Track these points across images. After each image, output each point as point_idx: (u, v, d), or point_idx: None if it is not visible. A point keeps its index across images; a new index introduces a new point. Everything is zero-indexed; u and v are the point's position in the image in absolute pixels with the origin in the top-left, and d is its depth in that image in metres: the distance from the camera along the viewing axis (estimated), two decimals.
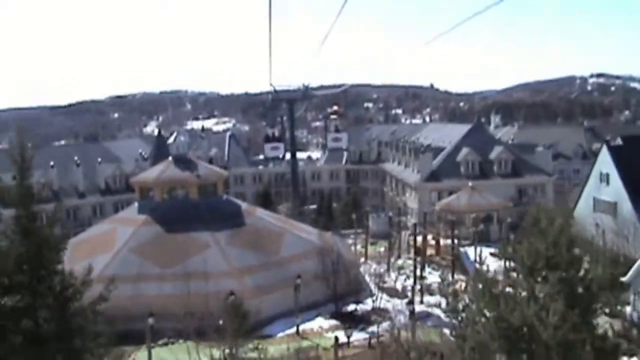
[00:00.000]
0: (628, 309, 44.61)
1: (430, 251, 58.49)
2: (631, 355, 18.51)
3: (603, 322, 20.88)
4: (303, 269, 48.01)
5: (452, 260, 52.38)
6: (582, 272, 16.22)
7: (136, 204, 57.48)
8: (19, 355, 17.22)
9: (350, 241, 68.44)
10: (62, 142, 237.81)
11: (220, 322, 34.21)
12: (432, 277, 51.62)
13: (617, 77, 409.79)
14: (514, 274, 17.26)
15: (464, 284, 34.62)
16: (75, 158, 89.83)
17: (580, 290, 15.82)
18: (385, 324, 39.50)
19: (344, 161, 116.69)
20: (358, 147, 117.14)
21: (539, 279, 16.12)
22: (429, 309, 43.12)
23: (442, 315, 29.10)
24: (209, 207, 54.60)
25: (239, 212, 57.30)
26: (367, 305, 47.59)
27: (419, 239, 59.07)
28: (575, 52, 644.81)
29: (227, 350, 32.78)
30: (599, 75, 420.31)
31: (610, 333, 18.29)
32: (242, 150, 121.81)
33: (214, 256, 48.77)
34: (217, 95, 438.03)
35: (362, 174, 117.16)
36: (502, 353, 15.72)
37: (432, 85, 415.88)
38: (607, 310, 21.80)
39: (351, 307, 47.35)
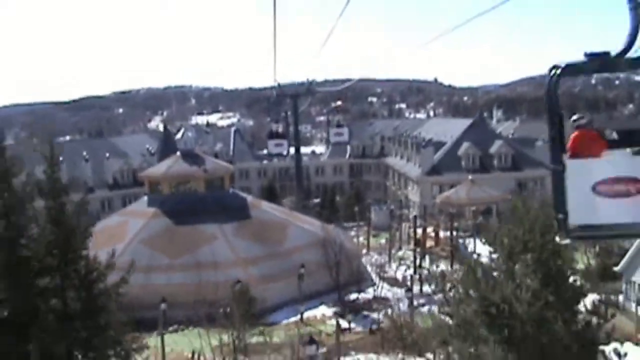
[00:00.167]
0: (621, 297, 46.34)
1: (430, 243, 60.34)
2: (598, 328, 20.33)
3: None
4: (307, 259, 50.01)
5: (451, 251, 54.18)
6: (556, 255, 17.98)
7: (145, 198, 59.50)
8: (50, 331, 19.14)
9: (352, 233, 70.33)
10: (67, 138, 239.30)
11: (228, 309, 36.18)
12: (433, 268, 53.52)
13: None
14: (496, 258, 19.12)
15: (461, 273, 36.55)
16: (84, 153, 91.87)
17: (553, 270, 17.64)
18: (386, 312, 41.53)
19: (347, 156, 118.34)
20: (361, 141, 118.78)
21: (518, 262, 17.98)
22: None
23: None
24: (216, 200, 56.59)
25: (245, 205, 59.34)
26: (369, 294, 49.59)
27: (419, 231, 60.99)
28: (579, 47, 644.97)
29: (234, 335, 34.66)
30: None
31: (583, 309, 20.02)
32: (247, 145, 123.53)
33: (221, 247, 50.79)
34: (222, 90, 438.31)
35: (365, 168, 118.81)
36: (484, 327, 17.58)
37: (436, 80, 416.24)
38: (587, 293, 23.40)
39: (353, 296, 49.27)
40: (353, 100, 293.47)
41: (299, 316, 45.19)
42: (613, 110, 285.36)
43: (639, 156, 8.90)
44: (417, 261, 54.90)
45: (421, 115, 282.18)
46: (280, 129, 56.31)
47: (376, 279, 51.69)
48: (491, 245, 18.29)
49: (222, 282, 43.16)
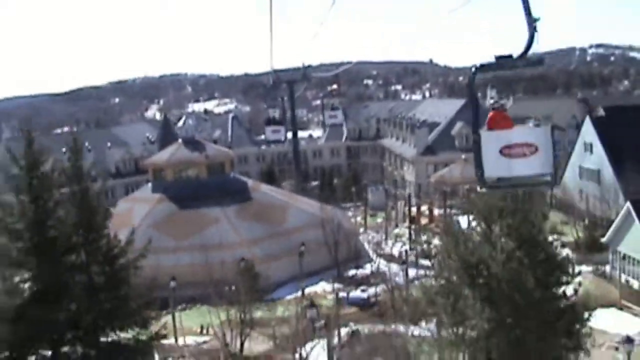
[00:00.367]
0: (608, 267, 48.47)
1: (424, 220, 62.54)
2: (567, 283, 22.56)
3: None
4: (307, 238, 52.46)
5: (443, 227, 56.40)
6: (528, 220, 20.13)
7: (150, 185, 61.77)
8: (78, 302, 21.42)
9: (350, 213, 72.67)
10: (65, 129, 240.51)
11: (233, 287, 38.36)
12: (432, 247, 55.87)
13: (617, 47, 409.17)
14: (474, 224, 21.29)
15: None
16: (86, 144, 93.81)
17: (525, 234, 19.79)
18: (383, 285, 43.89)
19: (344, 138, 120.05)
20: (357, 124, 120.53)
21: (494, 227, 20.15)
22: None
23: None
24: (218, 185, 58.91)
25: (246, 188, 61.72)
26: (367, 269, 51.98)
27: (414, 209, 63.25)
28: (575, 23, 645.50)
29: (241, 309, 36.84)
30: (599, 46, 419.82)
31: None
32: (245, 131, 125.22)
33: (225, 229, 53.18)
34: (217, 77, 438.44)
35: (362, 150, 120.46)
36: (465, 286, 19.79)
37: (431, 61, 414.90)
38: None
39: (352, 272, 51.70)
40: (349, 83, 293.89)
41: (300, 292, 47.32)
42: (608, 86, 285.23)
43: (536, 127, 12.51)
44: (412, 237, 57.08)
45: (417, 97, 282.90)
46: (277, 116, 58.13)
47: (373, 256, 54.13)
48: (470, 213, 20.44)
49: (227, 261, 45.29)
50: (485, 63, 11.17)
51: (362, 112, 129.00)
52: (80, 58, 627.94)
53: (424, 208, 65.14)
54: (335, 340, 35.38)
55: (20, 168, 21.55)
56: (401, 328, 32.12)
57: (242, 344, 35.14)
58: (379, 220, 69.73)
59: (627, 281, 44.43)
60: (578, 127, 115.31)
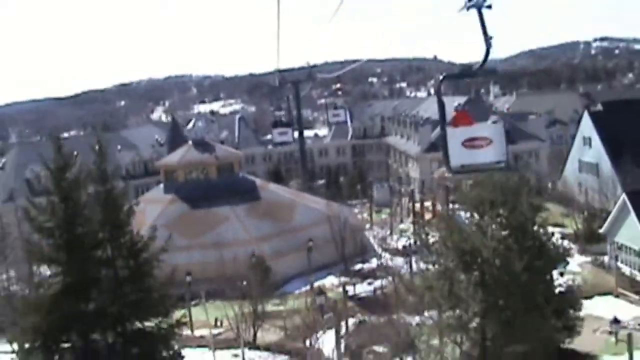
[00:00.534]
0: (606, 258, 50.13)
1: (428, 215, 64.29)
2: (554, 268, 24.40)
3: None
4: (314, 234, 54.47)
5: (445, 220, 58.17)
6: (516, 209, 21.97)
7: (161, 186, 63.72)
8: (105, 294, 23.34)
9: (356, 210, 74.51)
10: (72, 133, 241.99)
11: (245, 282, 40.29)
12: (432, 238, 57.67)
13: (621, 40, 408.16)
14: (468, 215, 23.12)
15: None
16: (97, 147, 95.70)
17: (513, 222, 21.61)
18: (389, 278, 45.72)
19: (349, 137, 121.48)
20: (362, 123, 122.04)
21: (485, 216, 21.98)
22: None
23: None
24: (227, 185, 60.93)
25: (255, 187, 63.74)
26: (373, 264, 53.84)
27: (418, 205, 65.08)
28: (579, 17, 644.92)
29: (253, 302, 38.78)
30: (603, 39, 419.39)
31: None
32: (252, 131, 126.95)
33: (235, 227, 55.22)
34: (222, 77, 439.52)
35: (367, 148, 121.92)
36: (460, 271, 21.63)
37: (435, 57, 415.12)
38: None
39: (358, 266, 53.64)
40: (353, 81, 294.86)
41: (309, 286, 48.89)
42: (612, 80, 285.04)
43: (491, 124, 16.95)
44: (416, 231, 58.89)
45: (422, 94, 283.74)
46: (284, 118, 59.82)
47: (379, 250, 55.97)
48: (463, 204, 22.30)
49: (238, 257, 47.37)
50: (450, 73, 13.81)
51: (367, 110, 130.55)
52: (85, 61, 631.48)
53: (428, 204, 66.88)
54: (344, 329, 37.18)
55: (50, 171, 23.51)
56: (405, 317, 33.83)
57: (255, 334, 37.08)
58: (384, 216, 71.52)
59: (623, 270, 45.96)
60: (580, 121, 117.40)
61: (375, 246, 58.02)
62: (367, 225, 67.28)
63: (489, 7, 12.58)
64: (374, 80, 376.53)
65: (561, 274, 44.63)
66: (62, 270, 23.34)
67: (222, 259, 47.03)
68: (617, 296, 42.83)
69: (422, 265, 31.34)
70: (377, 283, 47.69)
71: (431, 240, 24.41)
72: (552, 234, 28.76)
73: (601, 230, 50.13)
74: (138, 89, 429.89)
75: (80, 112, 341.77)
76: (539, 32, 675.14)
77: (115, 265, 23.78)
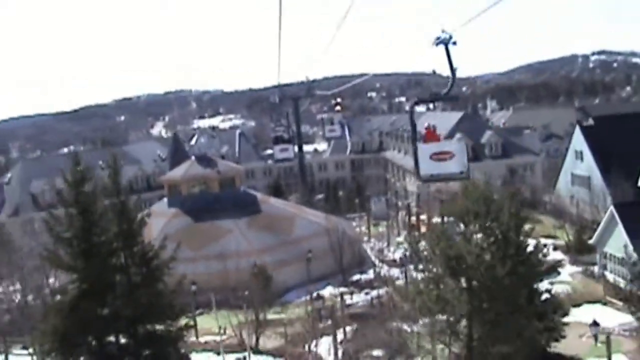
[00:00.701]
0: (596, 268, 51.86)
1: (424, 228, 66.09)
2: (538, 274, 26.35)
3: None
4: (313, 246, 56.44)
5: (429, 228, 59.97)
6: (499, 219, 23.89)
7: (165, 200, 65.63)
8: (119, 298, 25.22)
9: (354, 223, 76.38)
10: (72, 148, 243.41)
11: (247, 292, 42.13)
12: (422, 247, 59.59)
13: (619, 54, 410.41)
14: (454, 224, 25.02)
15: None
16: (100, 162, 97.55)
17: (497, 231, 23.49)
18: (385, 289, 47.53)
19: (348, 152, 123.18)
20: (360, 138, 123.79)
21: (470, 226, 23.88)
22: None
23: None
24: (230, 199, 63.01)
25: (256, 201, 65.75)
26: (370, 274, 55.72)
27: (414, 218, 66.97)
28: (577, 31, 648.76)
29: (255, 310, 40.61)
30: (601, 53, 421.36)
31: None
32: (252, 146, 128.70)
33: (237, 239, 57.13)
34: (222, 92, 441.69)
35: (366, 162, 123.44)
36: (448, 277, 23.52)
37: (434, 72, 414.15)
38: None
39: (356, 277, 55.53)
40: (352, 96, 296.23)
41: (309, 296, 50.79)
42: (610, 93, 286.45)
43: (454, 141, 23.41)
44: (411, 243, 60.75)
45: (421, 108, 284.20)
46: (284, 134, 61.70)
47: (376, 262, 57.86)
48: (449, 215, 24.26)
49: (240, 269, 49.23)
50: (422, 98, 16.69)
51: (366, 125, 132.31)
52: (85, 76, 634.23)
53: (423, 217, 68.72)
54: (341, 336, 39.02)
55: (68, 184, 25.43)
56: (400, 324, 35.63)
57: (257, 340, 38.92)
58: (382, 229, 73.37)
59: (611, 279, 47.66)
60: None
61: (373, 258, 59.96)
62: (365, 238, 69.25)
63: (454, 43, 15.18)
64: (373, 94, 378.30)
65: (551, 283, 46.89)
66: (79, 277, 25.19)
67: (226, 270, 48.91)
68: (605, 304, 44.47)
69: (414, 274, 33.13)
70: (374, 293, 49.47)
71: (422, 249, 26.32)
72: (540, 243, 30.65)
73: (591, 241, 51.77)
74: (138, 103, 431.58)
75: (80, 127, 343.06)
76: (537, 45, 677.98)
77: (128, 272, 25.66)
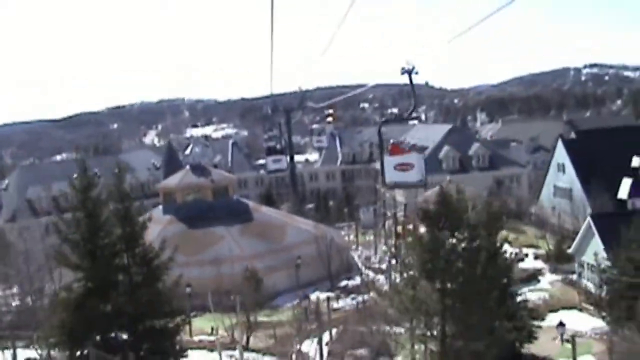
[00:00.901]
0: (574, 276, 54.04)
1: (410, 237, 68.31)
2: (506, 276, 28.67)
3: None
4: (303, 253, 58.83)
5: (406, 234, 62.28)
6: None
7: (160, 207, 67.81)
8: (122, 296, 27.41)
9: (343, 232, 78.69)
10: (64, 155, 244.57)
11: (239, 295, 44.20)
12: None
13: (611, 67, 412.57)
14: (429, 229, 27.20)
15: None
16: (96, 170, 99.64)
17: (467, 236, 25.74)
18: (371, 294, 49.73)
19: (338, 162, 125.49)
20: (351, 149, 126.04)
21: (442, 230, 26.10)
22: None
23: None
24: (223, 207, 65.42)
25: (248, 209, 68.13)
26: (357, 280, 57.99)
27: (400, 227, 69.20)
28: (569, 44, 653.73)
29: (247, 312, 42.72)
30: (593, 66, 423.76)
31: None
32: (244, 156, 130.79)
33: (230, 246, 59.46)
34: (215, 102, 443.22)
35: (357, 173, 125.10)
36: (424, 279, 25.78)
37: (426, 83, 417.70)
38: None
39: (343, 283, 57.86)
40: (345, 106, 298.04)
41: (297, 300, 52.95)
42: (602, 106, 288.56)
43: (415, 154, 24.61)
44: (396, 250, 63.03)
45: (414, 121, 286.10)
46: (277, 144, 63.87)
47: (363, 269, 60.19)
48: (423, 220, 26.63)
49: (233, 274, 51.43)
50: (389, 118, 20.42)
51: (356, 137, 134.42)
52: (78, 84, 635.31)
53: (410, 226, 70.92)
54: (328, 337, 41.13)
55: (76, 190, 27.67)
56: (384, 326, 37.75)
57: (247, 340, 41.07)
58: (370, 237, 75.62)
59: (587, 286, 49.83)
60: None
61: (360, 265, 62.33)
62: (354, 246, 71.49)
63: (417, 73, 18.24)
64: (366, 105, 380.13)
65: (531, 290, 49.37)
66: (85, 276, 27.41)
67: (218, 275, 51.18)
68: (580, 310, 46.61)
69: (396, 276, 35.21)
70: (360, 298, 51.62)
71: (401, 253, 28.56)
72: (510, 249, 32.94)
73: (570, 251, 54.03)
74: (131, 112, 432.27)
75: (73, 135, 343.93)
76: (530, 58, 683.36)
77: (130, 272, 27.93)
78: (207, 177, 68.03)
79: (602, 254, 44.90)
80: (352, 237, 77.30)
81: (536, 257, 61.25)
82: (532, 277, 55.32)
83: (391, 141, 19.81)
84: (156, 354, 28.06)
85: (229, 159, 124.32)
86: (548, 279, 55.86)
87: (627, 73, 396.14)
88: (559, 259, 57.83)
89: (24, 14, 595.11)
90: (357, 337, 38.68)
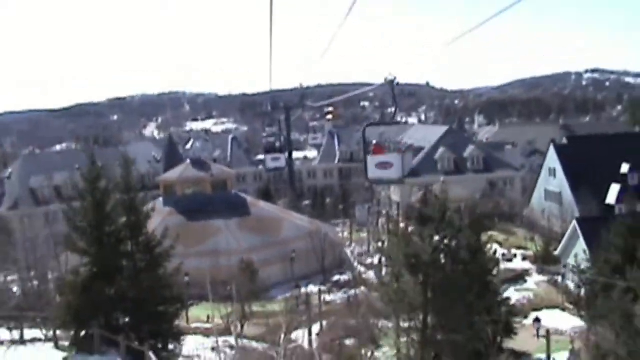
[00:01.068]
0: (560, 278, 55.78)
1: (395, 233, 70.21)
2: (489, 272, 30.58)
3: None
4: (298, 247, 60.68)
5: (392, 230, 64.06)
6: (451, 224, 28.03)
7: (161, 199, 69.58)
8: (126, 281, 29.32)
9: (339, 229, 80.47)
10: (64, 145, 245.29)
11: (235, 285, 46.00)
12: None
13: (612, 73, 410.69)
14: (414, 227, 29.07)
15: None
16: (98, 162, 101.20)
17: (448, 232, 27.60)
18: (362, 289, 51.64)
19: (336, 160, 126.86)
20: (349, 147, 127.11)
21: (426, 228, 27.95)
22: None
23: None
24: (221, 200, 67.27)
25: (246, 204, 70.09)
26: (349, 276, 59.75)
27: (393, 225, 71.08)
28: (572, 48, 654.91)
29: (242, 302, 44.58)
30: (594, 71, 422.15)
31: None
32: (244, 151, 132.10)
33: (227, 239, 61.41)
34: (215, 96, 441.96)
35: (354, 171, 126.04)
36: (407, 274, 27.62)
37: (427, 84, 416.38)
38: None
39: (336, 277, 59.66)
40: (345, 105, 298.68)
41: (291, 292, 54.65)
42: (602, 112, 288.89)
43: (394, 154, 23.40)
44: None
45: (413, 119, 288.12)
46: (277, 142, 65.28)
47: (356, 264, 62.02)
48: (410, 219, 28.50)
49: (230, 266, 53.25)
50: (373, 122, 23.10)
51: (355, 135, 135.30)
52: (79, 74, 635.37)
53: (403, 225, 72.73)
54: (319, 328, 43.00)
55: (85, 180, 29.56)
56: (372, 319, 39.58)
57: (242, 328, 42.93)
58: (364, 235, 77.37)
59: (570, 287, 51.55)
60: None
61: (353, 261, 64.12)
62: (348, 243, 73.34)
63: (397, 84, 20.34)
64: (366, 104, 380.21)
65: (517, 290, 51.22)
66: (91, 261, 29.31)
67: (216, 266, 52.96)
68: (563, 309, 48.41)
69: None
70: (352, 292, 53.45)
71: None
72: (492, 248, 34.73)
73: (556, 252, 55.69)
74: (132, 103, 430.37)
75: (73, 125, 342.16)
76: (532, 61, 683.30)
77: (134, 258, 29.88)
78: (207, 172, 69.90)
79: (583, 256, 46.61)
80: (346, 233, 79.02)
81: (524, 258, 62.95)
82: (519, 277, 57.16)
83: (374, 142, 21.96)
84: (156, 336, 29.95)
85: (229, 153, 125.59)
86: (534, 280, 57.60)
87: (628, 79, 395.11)
88: (546, 261, 59.39)
89: (27, 6, 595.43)
90: (346, 329, 40.50)
